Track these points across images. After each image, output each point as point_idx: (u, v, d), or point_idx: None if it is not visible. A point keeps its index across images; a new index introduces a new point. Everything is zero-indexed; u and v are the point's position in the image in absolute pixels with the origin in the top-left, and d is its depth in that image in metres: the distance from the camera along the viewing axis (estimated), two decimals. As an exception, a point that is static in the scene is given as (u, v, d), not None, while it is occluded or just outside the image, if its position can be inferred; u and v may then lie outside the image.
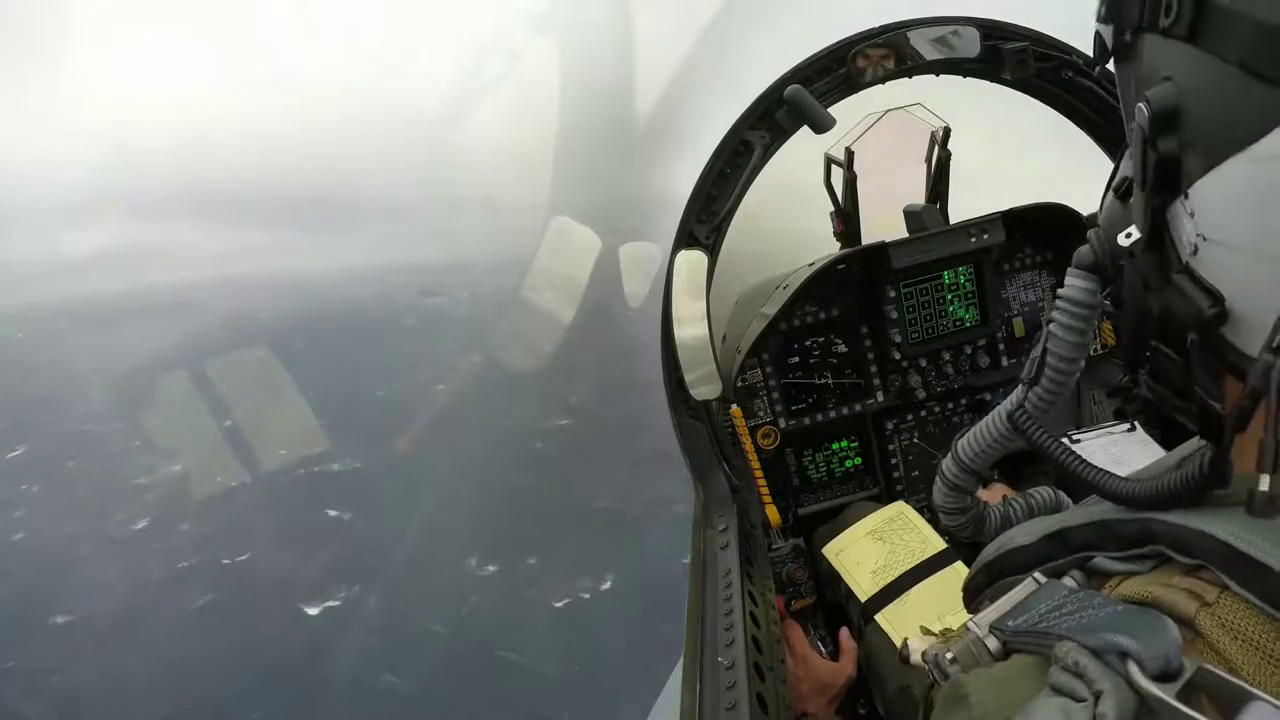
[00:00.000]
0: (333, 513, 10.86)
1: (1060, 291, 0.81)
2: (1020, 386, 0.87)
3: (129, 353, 15.75)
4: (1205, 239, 0.55)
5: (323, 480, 11.58)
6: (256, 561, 9.92)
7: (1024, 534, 0.75)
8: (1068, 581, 0.67)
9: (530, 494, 10.70)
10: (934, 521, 2.07)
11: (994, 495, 1.98)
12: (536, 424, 12.20)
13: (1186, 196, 0.55)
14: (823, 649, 1.99)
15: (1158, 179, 0.57)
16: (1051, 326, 0.83)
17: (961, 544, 1.94)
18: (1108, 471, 0.68)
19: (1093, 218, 0.81)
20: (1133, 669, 0.50)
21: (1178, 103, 0.54)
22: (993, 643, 0.65)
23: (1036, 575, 0.69)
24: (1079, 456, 0.71)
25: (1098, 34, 0.66)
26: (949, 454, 1.05)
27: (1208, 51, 0.51)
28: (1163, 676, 0.50)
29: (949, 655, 0.68)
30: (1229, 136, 0.51)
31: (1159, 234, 0.60)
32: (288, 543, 10.35)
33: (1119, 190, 0.69)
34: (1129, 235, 0.63)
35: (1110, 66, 0.67)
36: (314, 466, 11.85)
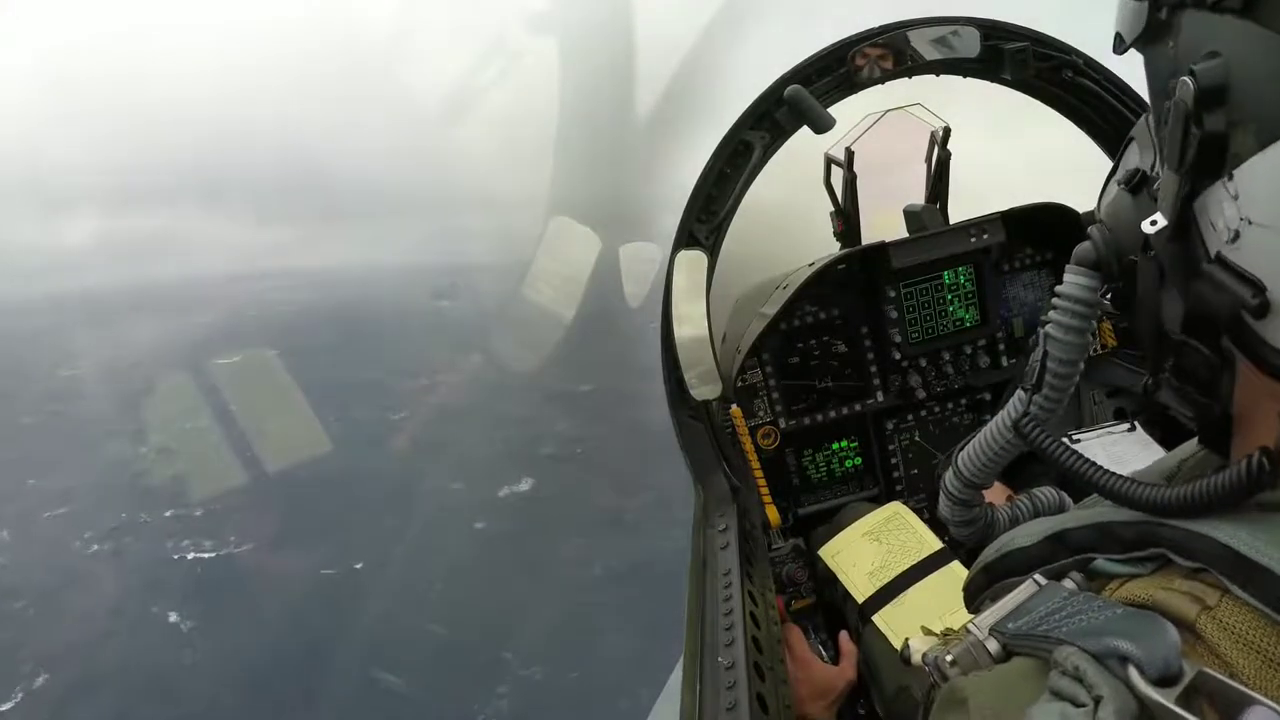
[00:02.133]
0: (173, 617, 8.69)
1: (1059, 289, 0.79)
2: (1021, 393, 0.86)
3: (70, 363, 13.71)
4: (1251, 223, 0.52)
5: (183, 568, 9.26)
6: (42, 694, 7.76)
7: (1024, 535, 0.75)
8: (1068, 583, 0.67)
9: (443, 621, 7.79)
10: (931, 522, 2.07)
11: (996, 495, 1.98)
12: (491, 490, 9.24)
13: (1230, 177, 0.53)
14: (823, 653, 1.98)
15: (1199, 160, 0.54)
16: (1049, 328, 0.81)
17: (960, 544, 1.94)
18: (1128, 478, 0.66)
19: (1090, 214, 0.78)
20: (1132, 673, 0.50)
21: (1227, 78, 0.52)
22: (993, 645, 0.65)
23: (1037, 577, 0.69)
24: (1093, 463, 0.70)
25: (1123, 14, 0.63)
26: (950, 469, 1.03)
27: (1264, 26, 0.49)
28: (1163, 681, 0.50)
29: (949, 658, 0.67)
30: None
31: (1185, 223, 0.58)
32: (92, 662, 8.08)
33: (1128, 183, 0.67)
34: (1154, 223, 0.61)
35: (1120, 57, 0.66)
36: (184, 541, 9.55)
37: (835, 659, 1.89)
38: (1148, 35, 0.61)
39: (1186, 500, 0.59)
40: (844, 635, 1.92)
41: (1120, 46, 0.65)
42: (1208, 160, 0.54)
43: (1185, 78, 0.54)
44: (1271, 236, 0.51)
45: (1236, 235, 0.53)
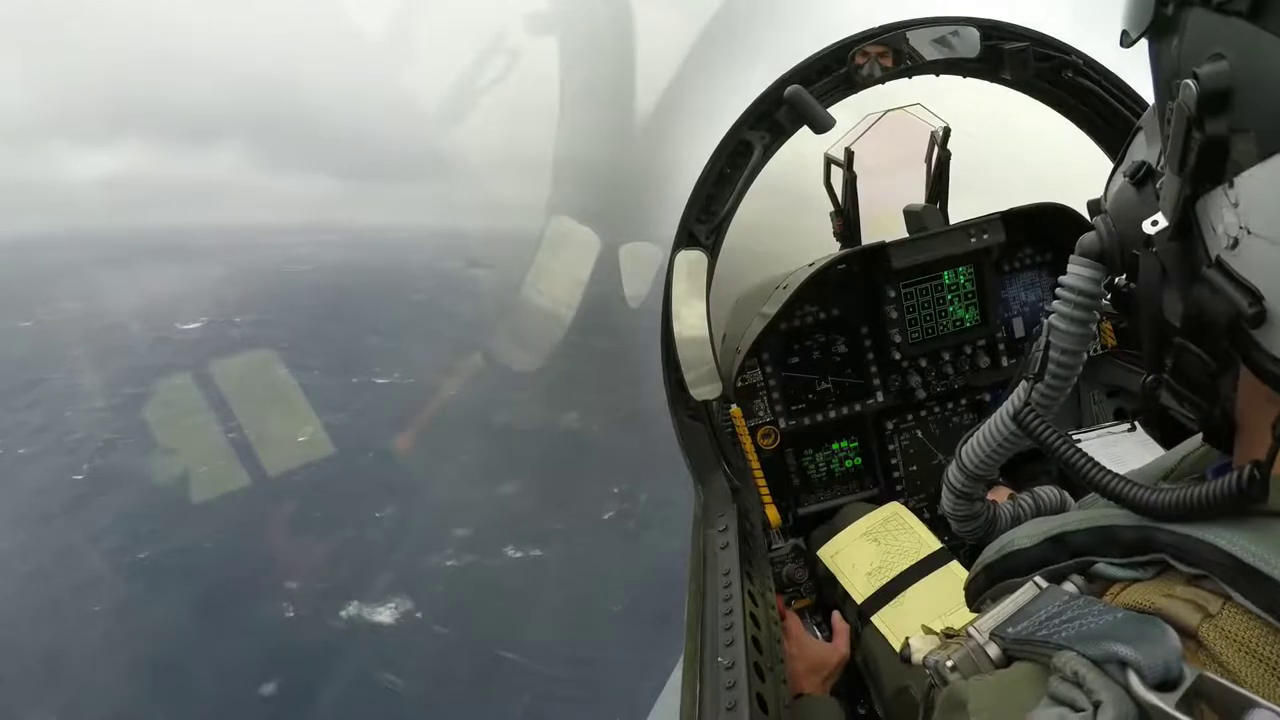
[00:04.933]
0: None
1: (1062, 280, 0.78)
2: (1023, 383, 0.85)
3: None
4: (1250, 232, 0.51)
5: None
6: None
7: (1025, 536, 0.74)
8: (1069, 586, 0.67)
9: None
10: (931, 522, 2.07)
11: (999, 496, 1.98)
12: (332, 609, 5.64)
13: (1231, 185, 0.51)
14: (818, 633, 2.00)
15: (1199, 164, 0.52)
16: (1053, 318, 0.81)
17: (960, 544, 1.94)
18: (1123, 476, 0.65)
19: (1096, 204, 0.78)
20: (1132, 678, 0.50)
21: (1230, 83, 0.50)
22: (993, 650, 0.65)
23: (1038, 580, 0.68)
24: (1090, 459, 0.69)
25: (1129, 7, 0.62)
26: (953, 463, 1.03)
27: (1272, 32, 0.47)
28: (1163, 685, 0.49)
29: (949, 663, 0.67)
30: None
31: (1187, 224, 0.57)
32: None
33: (1134, 175, 0.66)
34: (1155, 223, 0.60)
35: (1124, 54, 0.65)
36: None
37: (830, 639, 1.90)
38: (1153, 30, 0.60)
39: (1178, 505, 0.59)
40: (836, 614, 1.94)
41: (1126, 41, 0.64)
42: (1208, 165, 0.52)
43: (1188, 80, 0.52)
44: (1270, 248, 0.50)
45: (1236, 243, 0.52)
